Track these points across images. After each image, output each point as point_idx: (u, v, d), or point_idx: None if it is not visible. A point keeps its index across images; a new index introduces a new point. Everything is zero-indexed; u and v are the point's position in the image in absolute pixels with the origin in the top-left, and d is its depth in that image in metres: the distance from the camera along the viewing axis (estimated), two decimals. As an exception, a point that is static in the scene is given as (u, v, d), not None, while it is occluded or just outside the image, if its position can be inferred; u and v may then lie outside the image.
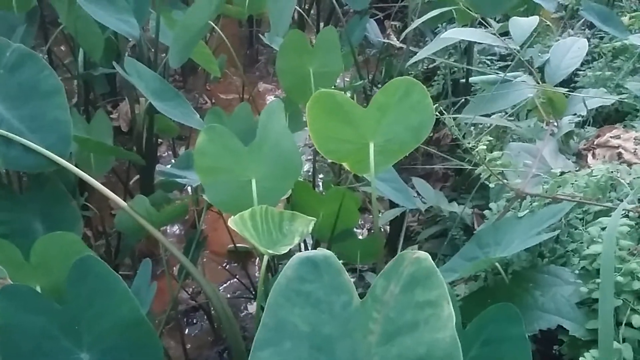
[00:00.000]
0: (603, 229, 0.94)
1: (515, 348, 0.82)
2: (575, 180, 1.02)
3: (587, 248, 0.92)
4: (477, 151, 1.05)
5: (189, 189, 1.99)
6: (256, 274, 1.90)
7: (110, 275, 0.88)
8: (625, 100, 1.44)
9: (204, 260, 1.94)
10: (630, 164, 1.12)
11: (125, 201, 1.70)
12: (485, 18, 1.53)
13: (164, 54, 1.80)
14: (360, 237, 1.95)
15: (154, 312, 1.56)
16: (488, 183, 1.12)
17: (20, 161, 1.15)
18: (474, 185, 1.48)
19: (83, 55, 1.83)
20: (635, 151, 1.17)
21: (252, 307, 1.83)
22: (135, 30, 1.47)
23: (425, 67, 2.25)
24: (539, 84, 1.32)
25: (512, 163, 1.10)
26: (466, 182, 1.71)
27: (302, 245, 1.58)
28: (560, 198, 1.00)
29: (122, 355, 0.87)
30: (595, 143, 1.22)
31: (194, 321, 1.80)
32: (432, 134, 1.89)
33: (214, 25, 1.70)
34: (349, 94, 2.07)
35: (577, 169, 1.16)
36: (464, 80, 1.91)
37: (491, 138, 1.15)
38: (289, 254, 0.96)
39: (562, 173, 1.08)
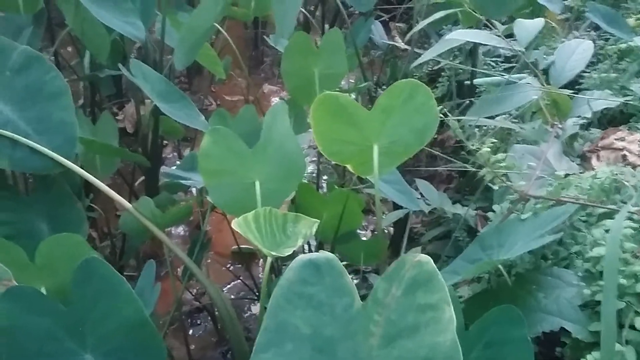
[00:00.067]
0: (607, 231, 0.93)
1: (517, 350, 0.82)
2: (579, 183, 1.02)
3: (591, 250, 0.92)
4: (481, 153, 1.05)
5: (194, 190, 2.00)
6: (260, 275, 1.90)
7: (114, 277, 0.88)
8: (630, 102, 1.43)
9: (208, 261, 1.94)
10: (634, 166, 1.12)
11: (130, 202, 1.71)
12: (490, 20, 1.53)
13: (170, 56, 1.81)
14: (363, 238, 1.95)
15: (158, 313, 1.56)
16: (492, 185, 1.12)
17: (27, 163, 1.16)
18: (477, 187, 1.48)
19: (89, 56, 1.84)
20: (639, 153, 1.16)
21: (256, 308, 1.84)
22: (141, 33, 1.48)
23: (430, 69, 2.25)
24: (543, 86, 1.32)
25: (516, 165, 1.10)
26: (470, 184, 1.71)
27: (306, 246, 1.59)
28: (563, 200, 1.00)
29: (126, 356, 0.87)
30: (599, 145, 1.21)
31: (198, 322, 1.81)
32: (436, 136, 1.89)
33: (219, 27, 1.71)
34: (353, 96, 2.08)
35: (581, 171, 1.15)
36: (468, 82, 1.91)
37: (495, 140, 1.14)
38: (293, 255, 0.96)
39: (567, 175, 1.08)
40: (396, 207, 1.59)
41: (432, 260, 0.65)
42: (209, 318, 1.76)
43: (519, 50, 1.31)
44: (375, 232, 1.95)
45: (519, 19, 1.39)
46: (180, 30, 1.63)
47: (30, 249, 1.03)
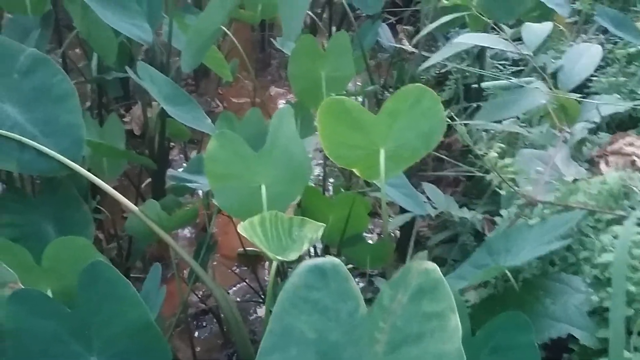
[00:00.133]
0: (615, 237, 0.93)
1: (524, 356, 0.81)
2: (588, 188, 1.01)
3: (599, 257, 0.91)
4: (488, 158, 1.05)
5: (200, 192, 2.00)
6: (266, 278, 1.90)
7: (120, 281, 0.88)
8: (639, 106, 1.42)
9: (214, 263, 1.94)
10: (643, 172, 1.11)
11: (137, 204, 1.71)
12: (497, 23, 1.52)
13: (177, 58, 1.81)
14: (370, 241, 1.95)
15: (164, 315, 1.57)
16: (499, 190, 1.11)
17: (34, 165, 1.16)
18: (484, 191, 1.47)
19: (97, 59, 1.85)
20: (649, 159, 1.15)
21: (262, 311, 1.84)
22: (148, 36, 1.48)
23: (438, 72, 2.24)
24: (551, 90, 1.31)
25: (523, 170, 1.09)
26: (477, 188, 1.70)
27: (312, 249, 1.59)
28: (572, 206, 0.99)
29: (131, 359, 0.88)
30: (608, 150, 1.20)
31: (204, 324, 1.81)
32: (443, 139, 1.89)
33: (226, 30, 1.71)
34: (360, 99, 2.07)
35: (590, 176, 1.14)
36: (476, 85, 1.91)
37: (503, 145, 1.14)
38: (299, 258, 0.96)
39: (575, 180, 1.07)
40: (402, 210, 1.58)
41: (438, 268, 0.65)
42: (215, 320, 1.76)
43: (527, 55, 1.31)
44: (382, 235, 1.94)
45: (528, 23, 1.38)
46: (187, 32, 1.64)
47: (37, 251, 1.03)
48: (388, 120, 1.03)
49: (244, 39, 2.85)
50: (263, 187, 1.10)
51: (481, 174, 1.22)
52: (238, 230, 0.97)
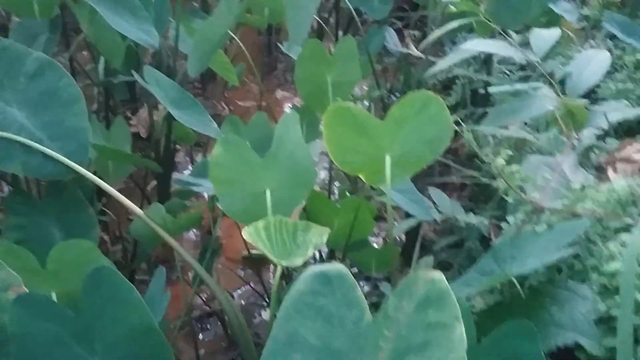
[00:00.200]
0: (623, 245, 0.92)
1: (530, 365, 0.81)
2: (596, 195, 1.01)
3: (607, 265, 0.90)
4: (495, 165, 1.04)
5: (206, 195, 2.00)
6: (270, 281, 1.90)
7: (124, 285, 0.88)
8: (648, 113, 1.41)
9: (219, 266, 1.94)
10: (652, 179, 1.10)
11: (142, 207, 1.71)
12: (505, 29, 1.52)
13: (184, 61, 1.81)
14: (375, 245, 1.94)
15: (169, 318, 1.57)
16: (506, 197, 1.11)
17: (40, 168, 1.16)
18: (491, 196, 1.47)
19: (104, 62, 1.85)
20: (657, 166, 1.14)
21: (266, 314, 1.83)
22: (155, 40, 1.48)
23: (444, 77, 2.23)
24: (559, 96, 1.31)
25: (530, 177, 1.08)
26: (483, 193, 1.70)
27: (317, 253, 1.58)
28: (579, 214, 0.99)
29: (134, 363, 0.88)
30: (616, 157, 1.20)
31: (208, 327, 1.81)
32: (449, 144, 1.88)
33: (232, 34, 1.71)
34: (366, 103, 2.07)
35: (598, 183, 1.14)
36: (483, 90, 1.90)
37: (510, 153, 1.13)
38: (304, 263, 0.96)
39: (582, 187, 1.07)
40: (408, 214, 1.58)
41: (444, 278, 0.64)
42: (219, 323, 1.76)
43: (535, 61, 1.30)
44: (387, 240, 1.93)
45: (536, 29, 1.37)
46: (194, 37, 1.64)
47: (42, 254, 1.04)
48: (394, 126, 1.02)
49: (250, 43, 2.85)
50: (268, 192, 1.10)
51: (488, 181, 1.21)
52: (242, 235, 0.97)
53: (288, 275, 1.49)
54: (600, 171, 1.22)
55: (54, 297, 1.03)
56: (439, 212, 1.48)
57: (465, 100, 1.98)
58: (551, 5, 1.70)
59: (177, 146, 2.21)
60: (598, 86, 1.59)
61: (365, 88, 2.31)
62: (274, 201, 1.10)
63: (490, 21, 1.44)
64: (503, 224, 1.17)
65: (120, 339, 0.87)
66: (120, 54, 1.63)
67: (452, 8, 1.48)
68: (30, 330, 0.87)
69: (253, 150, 1.14)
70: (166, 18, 1.73)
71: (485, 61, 1.91)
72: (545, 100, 1.28)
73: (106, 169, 1.59)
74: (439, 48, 2.34)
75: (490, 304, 1.03)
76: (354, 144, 1.05)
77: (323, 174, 2.03)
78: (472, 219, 1.45)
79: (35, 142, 1.15)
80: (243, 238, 1.04)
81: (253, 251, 1.80)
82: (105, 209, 1.71)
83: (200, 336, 1.77)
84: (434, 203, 1.51)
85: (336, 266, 0.73)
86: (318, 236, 1.01)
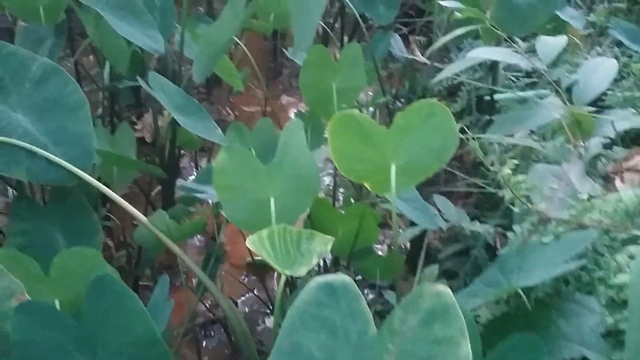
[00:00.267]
0: (631, 257, 0.91)
1: (537, 379, 0.80)
2: (603, 206, 1.00)
3: (615, 277, 0.89)
4: (501, 175, 1.03)
5: (210, 200, 1.99)
6: (274, 288, 1.89)
7: (127, 294, 0.88)
8: (655, 121, 1.40)
9: (223, 272, 1.94)
10: (660, 189, 1.08)
11: (146, 212, 1.71)
12: (511, 36, 1.51)
13: (189, 66, 1.81)
14: (380, 252, 1.93)
15: (172, 325, 1.56)
16: (512, 207, 1.10)
17: (44, 174, 1.16)
18: (496, 203, 1.46)
19: (109, 67, 1.85)
20: (665, 176, 1.13)
21: (270, 321, 1.83)
22: (160, 46, 1.48)
23: (450, 83, 2.23)
24: (566, 104, 1.30)
25: (537, 187, 1.07)
26: (489, 200, 1.69)
27: (321, 261, 1.57)
28: (586, 224, 0.98)
29: (136, 373, 0.87)
30: (623, 167, 1.18)
31: (212, 334, 1.80)
32: (455, 151, 1.87)
33: (237, 40, 1.71)
34: (371, 109, 2.06)
35: (605, 192, 1.13)
36: (488, 97, 1.89)
37: (516, 161, 1.12)
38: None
39: (590, 197, 1.06)
40: (413, 222, 1.57)
41: (450, 292, 0.63)
42: (223, 330, 1.75)
43: (542, 69, 1.29)
44: (392, 247, 1.93)
45: (542, 36, 1.36)
46: (199, 42, 1.64)
47: (45, 260, 1.03)
48: (399, 134, 1.02)
49: (256, 48, 2.85)
50: (272, 200, 1.09)
51: (494, 190, 1.20)
52: (246, 244, 0.97)
53: (292, 283, 1.48)
54: (607, 180, 1.21)
55: (57, 304, 1.03)
56: (445, 220, 1.48)
57: (470, 107, 1.97)
58: (557, 12, 1.69)
59: (182, 151, 2.21)
60: (605, 94, 1.58)
61: (371, 94, 2.30)
62: (278, 209, 1.09)
63: (496, 28, 1.43)
64: (509, 234, 1.16)
65: (122, 348, 0.86)
66: (126, 59, 1.63)
67: (458, 14, 1.47)
68: (32, 338, 0.87)
69: (257, 158, 1.13)
70: (171, 23, 1.73)
71: (491, 68, 1.90)
72: (552, 108, 1.27)
73: (111, 174, 1.58)
74: (444, 54, 2.33)
75: (496, 315, 1.02)
76: (359, 152, 1.04)
77: (327, 180, 2.03)
78: (478, 227, 1.45)
79: (39, 147, 1.14)
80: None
81: (257, 258, 1.80)
82: (110, 215, 1.71)
83: (204, 343, 1.77)
84: (439, 211, 1.50)
85: (341, 277, 0.72)
86: (322, 245, 1.00)
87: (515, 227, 1.13)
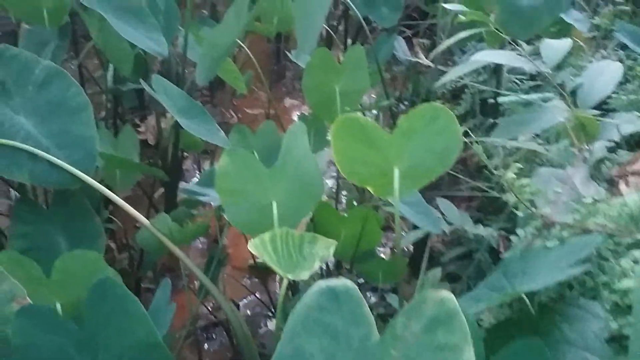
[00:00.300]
0: (636, 262, 0.90)
1: (540, 385, 0.79)
2: (608, 210, 0.99)
3: (619, 282, 0.88)
4: (505, 179, 1.02)
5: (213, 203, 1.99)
6: (277, 290, 1.89)
7: (128, 298, 0.87)
8: (660, 125, 1.39)
9: (225, 275, 1.93)
10: (665, 193, 1.08)
11: (149, 215, 1.70)
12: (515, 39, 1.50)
13: (193, 68, 1.81)
14: (382, 255, 1.93)
15: (174, 327, 1.56)
16: (516, 211, 1.09)
17: (46, 177, 1.16)
18: (500, 206, 1.45)
19: (113, 69, 1.85)
20: (670, 180, 1.12)
21: (272, 324, 1.82)
22: (164, 49, 1.48)
23: (454, 86, 2.22)
24: (570, 107, 1.29)
25: (541, 190, 1.07)
26: (492, 204, 1.68)
27: (324, 264, 1.57)
28: (591, 229, 0.97)
29: (137, 377, 0.87)
30: (628, 170, 1.18)
31: (214, 336, 1.80)
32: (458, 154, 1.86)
33: (240, 43, 1.71)
34: (375, 112, 2.06)
35: (609, 196, 1.12)
36: (492, 100, 1.88)
37: (520, 165, 1.11)
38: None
39: (594, 201, 1.05)
40: (416, 225, 1.57)
41: (454, 298, 0.63)
42: (225, 333, 1.75)
43: (547, 72, 1.28)
44: (395, 250, 1.92)
45: (547, 40, 1.36)
46: (202, 45, 1.64)
47: (48, 263, 1.03)
48: (403, 138, 1.01)
49: (259, 51, 2.86)
50: (274, 204, 1.09)
51: (497, 195, 1.19)
52: (248, 247, 0.96)
53: (294, 286, 1.48)
54: (612, 184, 1.20)
55: (58, 307, 1.03)
56: (448, 223, 1.47)
57: (474, 109, 1.97)
58: (562, 15, 1.69)
59: (185, 154, 2.21)
60: (609, 97, 1.57)
61: (374, 97, 2.30)
62: (280, 213, 1.09)
63: (500, 31, 1.43)
64: (513, 237, 1.15)
65: (124, 352, 0.86)
66: (129, 62, 1.63)
67: (462, 17, 1.46)
68: (33, 342, 0.87)
69: (260, 161, 1.13)
70: (175, 26, 1.73)
71: (495, 70, 1.89)
72: (556, 111, 1.26)
73: (113, 177, 1.58)
74: (448, 57, 2.33)
75: (499, 319, 1.02)
76: (362, 156, 1.04)
77: (330, 183, 2.02)
78: (481, 230, 1.44)
79: (42, 150, 1.14)
80: (249, 247, 1.03)
81: (259, 260, 1.79)
82: (112, 217, 1.71)
83: (206, 346, 1.76)
84: (442, 214, 1.49)
85: (343, 282, 0.71)
86: (325, 249, 1.00)
87: (519, 231, 1.12)
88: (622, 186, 1.15)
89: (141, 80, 1.50)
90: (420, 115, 1.00)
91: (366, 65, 1.55)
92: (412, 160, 1.02)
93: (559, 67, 1.64)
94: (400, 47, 2.28)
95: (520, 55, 1.37)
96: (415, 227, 1.55)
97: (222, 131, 1.49)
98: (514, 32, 1.48)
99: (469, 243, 1.59)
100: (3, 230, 1.45)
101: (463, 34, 1.41)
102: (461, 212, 1.53)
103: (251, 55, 1.90)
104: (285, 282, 1.00)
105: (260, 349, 1.67)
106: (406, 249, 1.86)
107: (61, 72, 1.20)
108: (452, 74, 1.38)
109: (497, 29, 1.42)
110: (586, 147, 1.28)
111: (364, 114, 2.05)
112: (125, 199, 1.20)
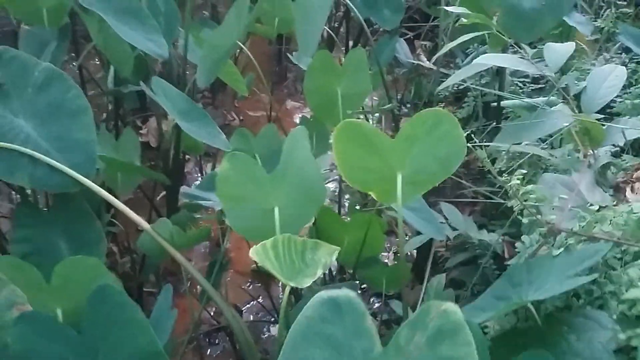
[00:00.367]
0: (643, 271, 0.89)
1: (547, 396, 0.78)
2: (614, 218, 0.97)
3: (626, 292, 0.87)
4: (510, 185, 1.01)
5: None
6: (279, 295, 1.87)
7: (128, 305, 0.86)
8: (666, 129, 1.37)
9: (228, 279, 1.92)
10: (671, 200, 1.06)
11: (151, 218, 1.69)
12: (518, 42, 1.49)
13: (194, 70, 1.80)
14: (386, 260, 1.91)
15: (176, 332, 1.54)
16: (521, 218, 1.08)
17: (46, 180, 1.15)
18: (504, 211, 1.43)
19: (113, 70, 1.84)
20: (677, 186, 1.11)
21: (275, 330, 1.81)
22: (164, 51, 1.47)
23: (456, 88, 2.21)
24: (574, 112, 1.28)
25: (546, 197, 1.05)
26: (496, 208, 1.67)
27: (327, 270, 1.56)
28: (596, 237, 0.95)
29: (137, 386, 0.86)
30: (634, 177, 1.16)
31: (216, 342, 1.79)
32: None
33: (241, 44, 1.70)
34: (377, 115, 2.05)
35: (615, 202, 1.10)
36: (495, 103, 1.87)
37: (524, 171, 1.10)
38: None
39: (600, 209, 1.03)
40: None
41: (459, 310, 0.61)
42: (227, 338, 1.73)
43: (550, 76, 1.27)
44: (398, 255, 1.91)
45: (550, 43, 1.34)
46: (203, 47, 1.63)
47: (48, 267, 1.02)
48: (405, 144, 1.00)
49: (260, 52, 2.84)
50: (276, 210, 1.08)
51: (502, 201, 1.18)
52: (250, 254, 0.95)
53: (297, 291, 1.46)
54: (617, 190, 1.18)
55: (58, 313, 1.01)
56: (452, 228, 1.46)
57: (477, 113, 1.95)
58: (564, 18, 1.68)
59: (187, 156, 2.19)
60: (613, 101, 1.56)
61: (376, 99, 2.29)
62: (282, 219, 1.07)
63: (503, 34, 1.41)
64: (518, 244, 1.14)
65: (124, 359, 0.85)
66: (130, 63, 1.62)
67: (464, 20, 1.45)
68: (33, 348, 0.86)
69: (261, 166, 1.12)
70: (175, 27, 1.71)
71: (497, 73, 1.88)
72: (561, 116, 1.25)
73: (115, 180, 1.57)
74: (450, 59, 2.31)
75: (505, 328, 1.00)
76: (365, 162, 1.02)
77: (333, 186, 2.01)
78: (485, 236, 1.42)
79: (41, 153, 1.13)
80: (252, 252, 1.01)
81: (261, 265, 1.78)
82: (114, 220, 1.70)
83: (208, 351, 1.75)
84: (446, 219, 1.48)
85: (345, 292, 0.70)
86: (327, 255, 0.99)
87: (524, 238, 1.11)
88: (628, 192, 1.13)
89: (141, 83, 1.49)
90: (423, 121, 0.99)
91: (368, 67, 1.54)
92: (415, 166, 1.01)
93: (562, 70, 1.63)
94: (402, 49, 2.27)
95: (523, 58, 1.36)
96: (419, 232, 1.54)
97: (223, 134, 1.48)
98: (516, 34, 1.47)
99: (473, 249, 1.57)
100: (5, 232, 1.44)
101: (465, 37, 1.40)
102: (465, 217, 1.51)
103: (252, 57, 1.89)
104: (288, 288, 0.99)
105: (262, 354, 1.66)
106: (410, 254, 1.84)
107: (61, 75, 1.19)
108: (455, 78, 1.37)
109: (499, 32, 1.41)
110: (591, 152, 1.27)
111: (366, 117, 2.04)
112: (127, 202, 1.19)
